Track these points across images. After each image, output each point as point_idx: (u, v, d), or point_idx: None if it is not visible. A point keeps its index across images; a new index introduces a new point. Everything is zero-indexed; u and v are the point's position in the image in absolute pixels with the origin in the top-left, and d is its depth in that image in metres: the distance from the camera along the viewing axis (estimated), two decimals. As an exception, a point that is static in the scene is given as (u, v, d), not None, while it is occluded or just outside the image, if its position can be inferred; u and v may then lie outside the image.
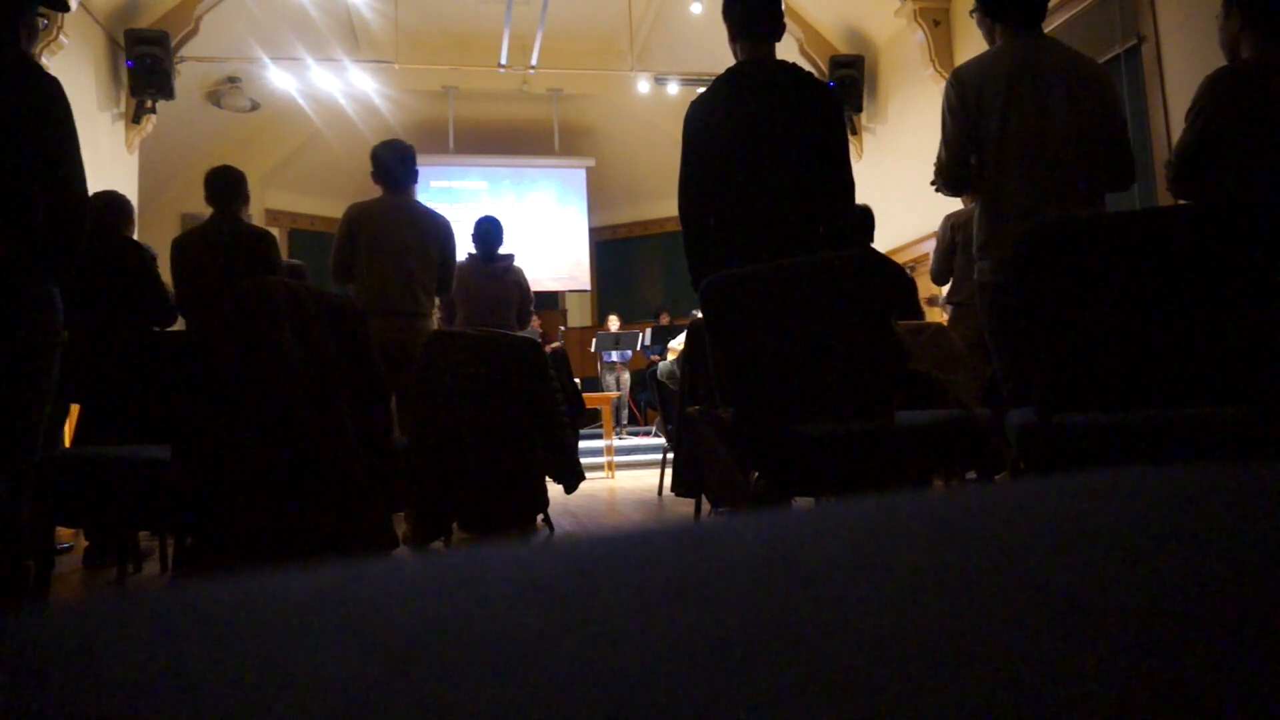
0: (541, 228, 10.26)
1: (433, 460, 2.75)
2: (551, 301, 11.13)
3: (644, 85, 8.33)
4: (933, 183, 2.50)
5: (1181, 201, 2.28)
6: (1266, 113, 2.08)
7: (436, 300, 3.60)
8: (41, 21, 2.05)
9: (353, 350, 1.92)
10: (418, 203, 3.53)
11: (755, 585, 0.20)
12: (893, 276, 3.47)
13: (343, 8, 8.14)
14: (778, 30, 2.39)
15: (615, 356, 9.20)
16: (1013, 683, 0.15)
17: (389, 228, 3.32)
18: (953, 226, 3.81)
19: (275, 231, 8.54)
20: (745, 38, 2.36)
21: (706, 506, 3.27)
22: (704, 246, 2.33)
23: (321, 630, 0.18)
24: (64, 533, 3.38)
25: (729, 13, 2.39)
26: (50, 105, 1.76)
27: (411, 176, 3.49)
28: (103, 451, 2.29)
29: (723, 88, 2.33)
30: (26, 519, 1.78)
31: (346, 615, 0.19)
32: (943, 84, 2.37)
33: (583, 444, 4.11)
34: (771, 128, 2.25)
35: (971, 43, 5.89)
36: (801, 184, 2.25)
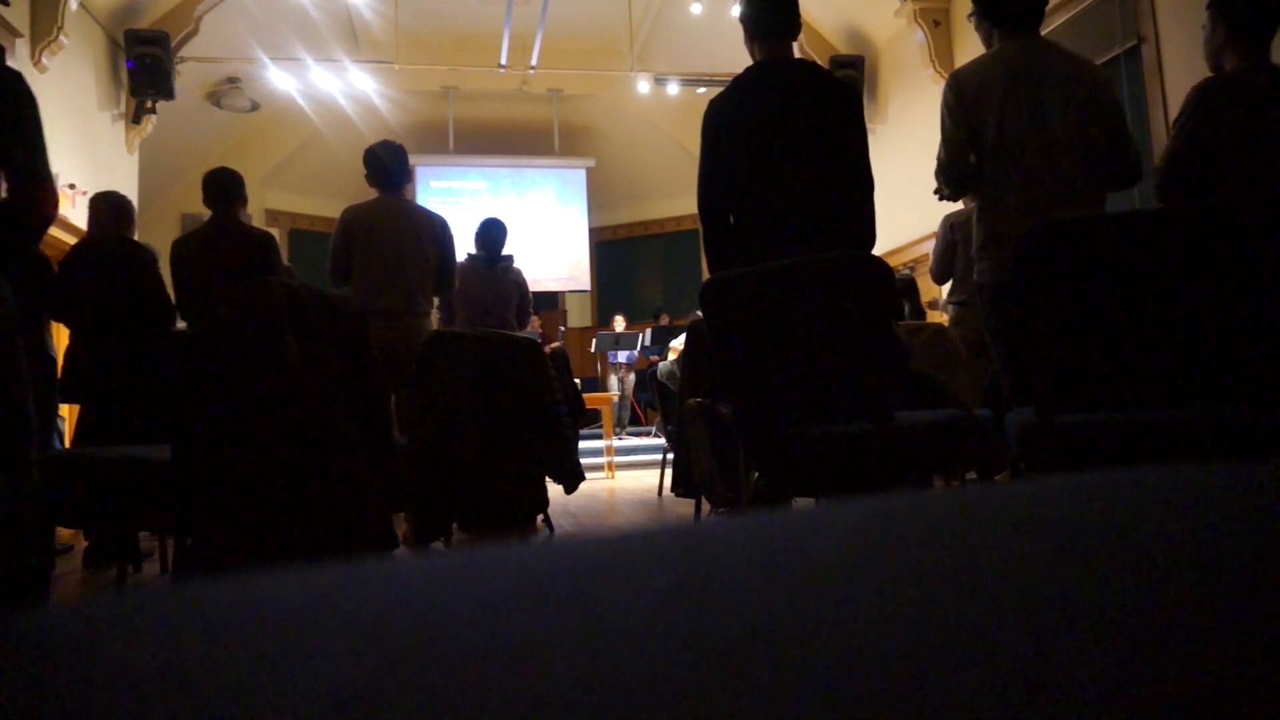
0: (541, 228, 10.26)
1: (433, 460, 2.75)
2: (551, 302, 11.12)
3: (644, 85, 8.33)
4: (936, 191, 2.50)
5: None
6: (1251, 122, 2.14)
7: (435, 300, 3.61)
8: None
9: (352, 350, 1.92)
10: (414, 203, 3.54)
11: (755, 586, 0.20)
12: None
13: (343, 8, 8.13)
14: (794, 29, 2.40)
15: (623, 357, 9.19)
16: (1013, 683, 0.15)
17: (385, 230, 3.33)
18: (952, 226, 3.81)
19: (275, 231, 8.54)
20: (763, 37, 2.36)
21: (706, 506, 3.27)
22: (723, 244, 2.33)
23: (321, 630, 0.18)
24: (64, 533, 3.38)
25: (746, 14, 2.39)
26: (10, 95, 1.80)
27: (405, 176, 3.51)
28: (103, 451, 2.29)
29: (742, 86, 2.33)
30: (29, 515, 1.77)
31: (346, 615, 0.19)
32: (943, 84, 2.37)
33: (583, 444, 4.10)
34: (791, 126, 2.25)
35: (971, 43, 5.88)
36: (821, 182, 2.24)
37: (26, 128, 1.85)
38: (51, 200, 1.93)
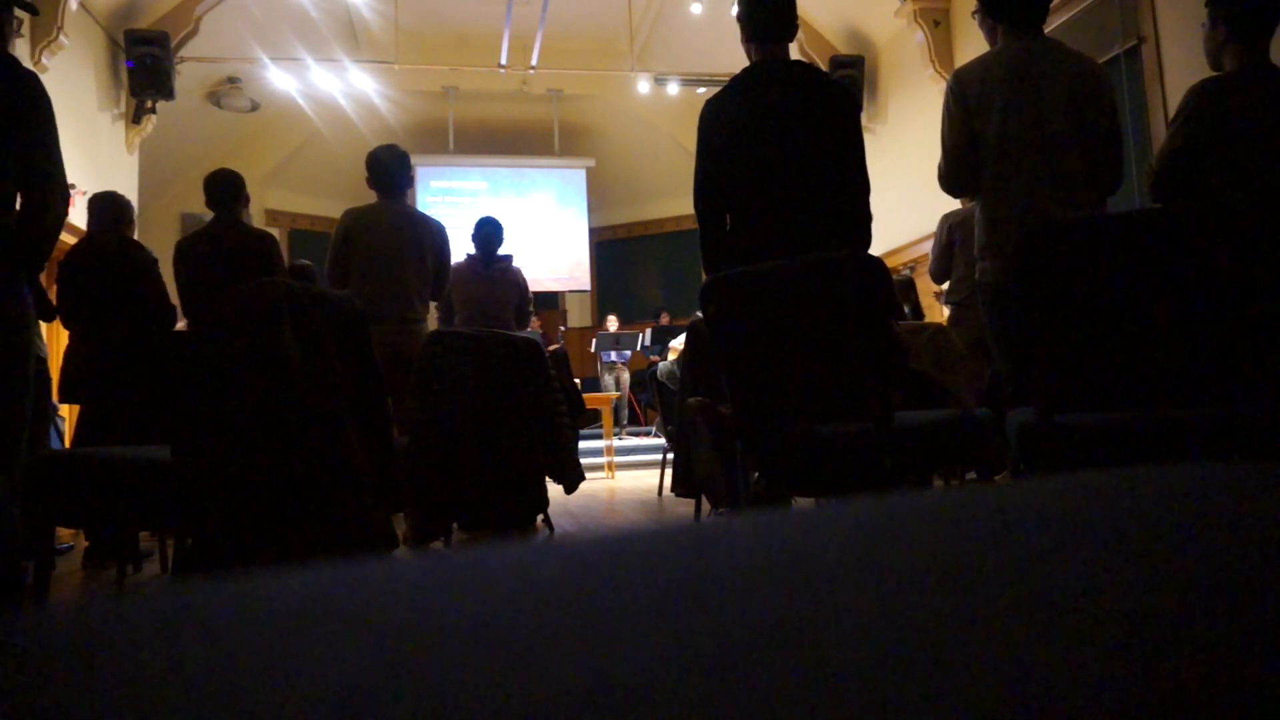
0: (541, 228, 10.26)
1: (433, 460, 2.75)
2: (551, 302, 11.13)
3: (644, 85, 8.33)
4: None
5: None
6: (1249, 122, 2.15)
7: (432, 304, 3.61)
8: (16, 23, 2.19)
9: (352, 350, 1.92)
10: (413, 208, 3.55)
11: (755, 586, 0.20)
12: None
13: (343, 8, 8.13)
14: (791, 31, 2.39)
15: (615, 356, 9.19)
16: (1013, 683, 0.15)
17: (384, 233, 3.33)
18: (950, 226, 3.80)
19: (275, 231, 8.55)
20: (759, 38, 2.35)
21: (706, 506, 3.27)
22: (719, 245, 2.33)
23: (321, 630, 0.18)
24: (64, 533, 3.38)
25: (742, 14, 2.39)
26: (28, 99, 1.86)
27: (407, 181, 3.51)
28: (103, 451, 2.29)
29: (739, 87, 2.32)
30: (17, 517, 1.78)
31: (346, 615, 0.19)
32: (943, 84, 2.37)
33: (583, 444, 4.10)
34: (787, 127, 2.25)
35: (971, 43, 5.89)
36: (816, 184, 2.24)
37: (44, 137, 1.89)
38: (62, 203, 1.96)
